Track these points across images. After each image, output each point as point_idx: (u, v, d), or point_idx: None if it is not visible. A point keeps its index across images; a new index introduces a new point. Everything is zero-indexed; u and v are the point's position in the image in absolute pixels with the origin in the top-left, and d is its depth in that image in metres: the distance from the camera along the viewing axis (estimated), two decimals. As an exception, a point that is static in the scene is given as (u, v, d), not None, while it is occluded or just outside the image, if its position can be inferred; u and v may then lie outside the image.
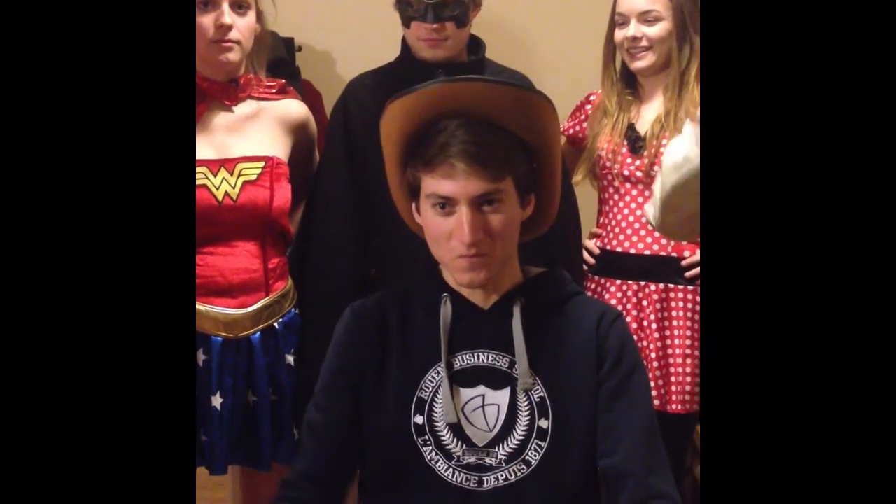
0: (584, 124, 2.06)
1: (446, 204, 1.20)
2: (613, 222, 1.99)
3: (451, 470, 1.24)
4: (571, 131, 2.10)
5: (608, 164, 1.97)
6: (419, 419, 1.26)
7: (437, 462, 1.25)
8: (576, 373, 1.26)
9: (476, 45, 1.85)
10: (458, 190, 1.19)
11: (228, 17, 1.63)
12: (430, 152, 1.19)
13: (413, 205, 1.29)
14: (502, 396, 1.25)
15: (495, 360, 1.26)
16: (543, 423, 1.24)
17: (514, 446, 1.24)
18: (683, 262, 1.92)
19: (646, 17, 1.90)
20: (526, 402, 1.25)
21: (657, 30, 1.90)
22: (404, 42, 1.86)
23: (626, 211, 1.97)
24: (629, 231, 1.96)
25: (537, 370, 1.25)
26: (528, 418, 1.24)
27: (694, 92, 1.88)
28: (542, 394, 1.25)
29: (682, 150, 1.43)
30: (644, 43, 1.91)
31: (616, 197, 1.99)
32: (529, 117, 1.24)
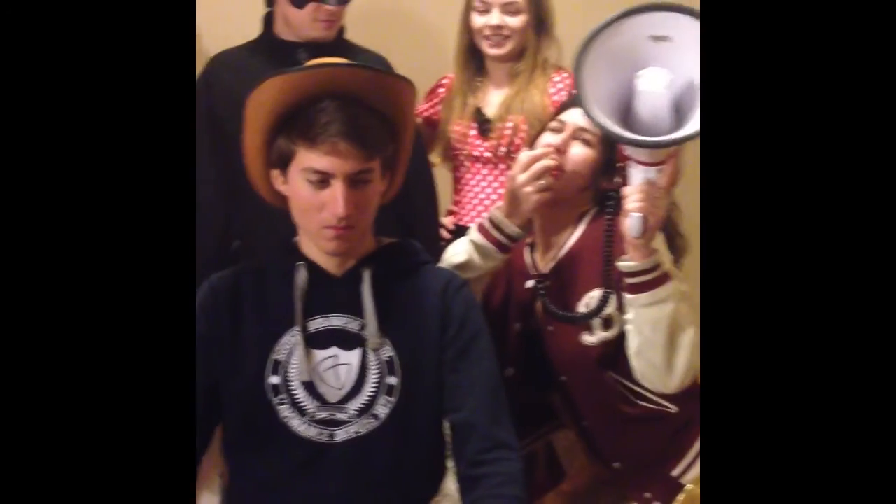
0: (438, 107, 2.17)
1: (322, 178, 1.28)
2: (466, 200, 2.11)
3: (304, 425, 1.33)
4: (426, 114, 2.21)
5: (458, 145, 2.09)
6: (275, 379, 1.33)
7: (291, 419, 1.33)
8: (422, 335, 1.37)
9: None
10: (336, 166, 1.28)
11: None
12: (313, 129, 1.27)
13: (274, 173, 1.35)
14: (353, 356, 1.34)
15: (347, 322, 1.35)
16: (392, 381, 1.34)
17: (364, 402, 1.33)
18: None
19: (508, 8, 2.03)
20: (375, 362, 1.34)
21: (518, 20, 2.04)
22: (266, 21, 1.91)
23: (477, 189, 2.09)
24: (480, 208, 2.08)
25: (387, 332, 1.35)
26: (377, 376, 1.34)
27: (539, 80, 2.03)
28: (390, 353, 1.34)
29: (466, 255, 1.53)
30: (505, 32, 2.03)
31: (468, 176, 2.11)
32: (396, 100, 1.35)
